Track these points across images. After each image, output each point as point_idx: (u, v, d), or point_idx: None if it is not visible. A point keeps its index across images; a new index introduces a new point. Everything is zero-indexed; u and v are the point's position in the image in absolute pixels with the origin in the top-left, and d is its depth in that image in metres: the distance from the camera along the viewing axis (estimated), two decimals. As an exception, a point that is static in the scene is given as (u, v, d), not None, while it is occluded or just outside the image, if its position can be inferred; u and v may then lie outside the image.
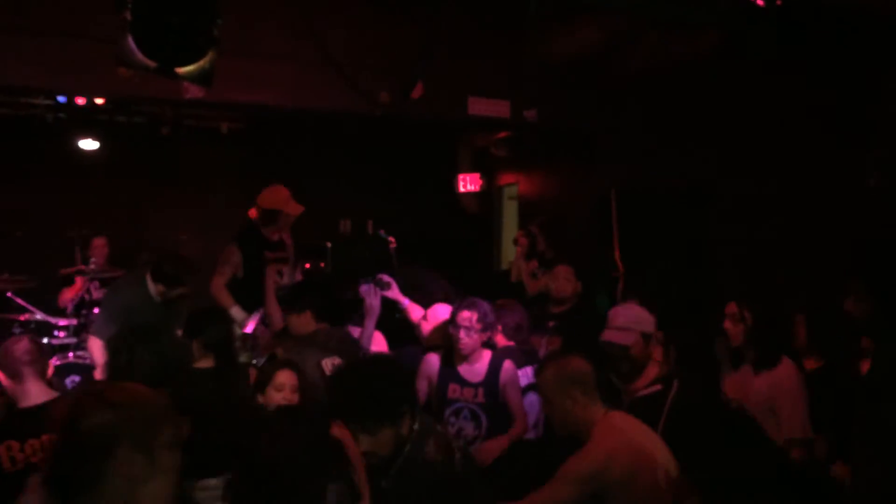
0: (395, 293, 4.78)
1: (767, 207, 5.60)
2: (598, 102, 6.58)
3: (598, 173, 6.98)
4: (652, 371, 3.33)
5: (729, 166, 5.82)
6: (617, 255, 6.30)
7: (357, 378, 2.75)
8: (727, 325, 3.98)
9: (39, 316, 6.76)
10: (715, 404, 3.61)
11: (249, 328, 4.99)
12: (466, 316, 4.05)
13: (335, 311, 4.50)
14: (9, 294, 6.76)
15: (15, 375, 3.18)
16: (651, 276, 5.88)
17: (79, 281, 6.91)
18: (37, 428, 3.01)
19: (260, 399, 3.44)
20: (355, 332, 4.58)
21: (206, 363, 3.67)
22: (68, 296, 6.95)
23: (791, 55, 5.26)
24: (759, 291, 4.68)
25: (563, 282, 5.27)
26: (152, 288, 4.67)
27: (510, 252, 8.60)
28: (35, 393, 3.17)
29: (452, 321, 4.11)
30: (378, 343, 4.81)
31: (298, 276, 6.01)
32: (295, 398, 3.42)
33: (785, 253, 5.39)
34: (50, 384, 3.36)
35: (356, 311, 5.08)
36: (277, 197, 5.39)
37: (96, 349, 4.60)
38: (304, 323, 4.30)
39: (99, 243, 7.19)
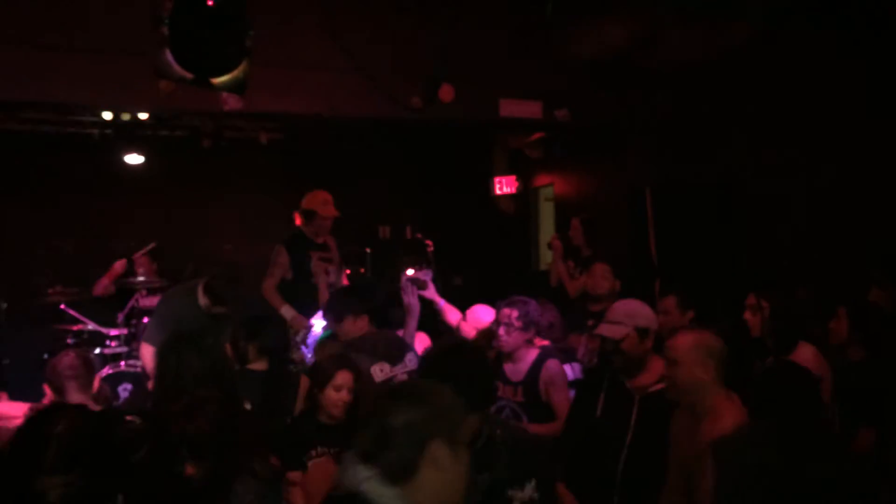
0: (431, 293, 4.85)
1: (804, 199, 5.55)
2: (630, 99, 6.58)
3: (632, 170, 6.97)
4: (658, 367, 3.27)
5: (763, 159, 5.79)
6: (653, 251, 6.30)
7: (459, 363, 2.65)
8: (746, 315, 3.98)
9: (91, 326, 6.98)
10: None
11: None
12: (506, 313, 4.10)
13: (382, 314, 4.56)
14: (62, 306, 7.01)
15: (59, 390, 3.31)
16: (687, 272, 5.87)
17: (116, 266, 7.04)
18: None
19: (318, 395, 3.46)
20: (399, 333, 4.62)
21: (259, 366, 3.83)
22: (104, 282, 7.10)
23: (826, 43, 5.23)
24: (796, 284, 4.64)
25: (599, 279, 5.28)
26: (202, 299, 4.79)
27: (547, 254, 8.62)
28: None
29: (495, 318, 4.19)
30: (422, 342, 4.89)
31: (343, 281, 6.13)
32: (350, 399, 3.44)
33: (823, 245, 5.34)
34: (98, 395, 3.45)
35: (393, 312, 5.20)
36: (314, 199, 5.65)
37: (147, 356, 4.74)
38: (359, 327, 4.26)
39: (143, 260, 7.38)
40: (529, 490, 2.46)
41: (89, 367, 3.40)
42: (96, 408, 3.29)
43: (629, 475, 3.28)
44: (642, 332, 3.39)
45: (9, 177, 7.98)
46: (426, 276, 4.92)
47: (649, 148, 6.81)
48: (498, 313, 4.16)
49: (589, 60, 6.12)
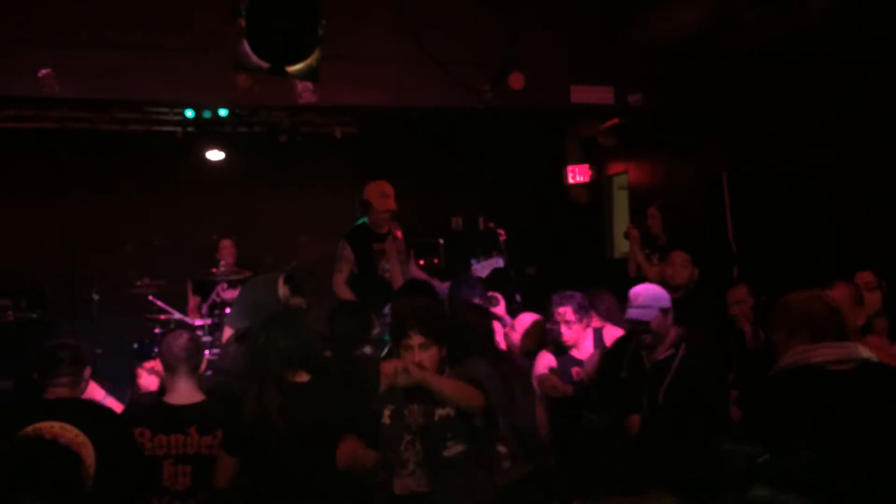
0: (501, 310, 4.98)
1: (884, 184, 5.33)
2: (705, 83, 6.44)
3: (707, 156, 6.81)
4: (672, 336, 3.86)
5: (842, 143, 5.59)
6: (731, 238, 6.14)
7: None
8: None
9: (177, 316, 7.27)
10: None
11: None
12: (562, 311, 4.43)
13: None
14: (150, 297, 7.32)
15: (170, 368, 3.38)
16: (766, 259, 5.72)
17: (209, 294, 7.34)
18: (171, 426, 3.25)
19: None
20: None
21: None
22: (192, 304, 7.44)
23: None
24: (877, 270, 4.49)
25: (678, 268, 5.25)
26: (282, 290, 4.92)
27: (622, 243, 8.51)
28: (182, 392, 3.36)
29: (551, 318, 4.49)
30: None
31: (416, 270, 6.13)
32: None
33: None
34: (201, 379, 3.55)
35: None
36: (373, 190, 5.54)
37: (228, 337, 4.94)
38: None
39: (226, 244, 7.62)
40: None
41: (200, 350, 3.45)
42: (200, 397, 3.39)
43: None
44: (665, 311, 3.86)
45: (99, 175, 8.38)
46: (497, 263, 4.99)
47: (726, 133, 6.65)
48: (554, 312, 4.46)
49: (662, 43, 6.02)
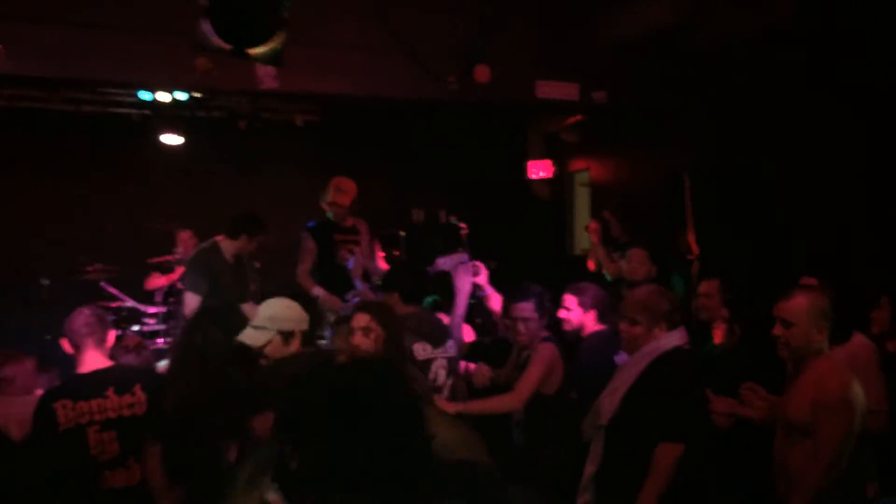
0: (483, 279, 4.85)
1: (843, 185, 5.42)
2: (669, 82, 6.48)
3: (670, 155, 6.85)
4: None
5: (803, 143, 5.66)
6: (691, 237, 6.20)
7: None
8: None
9: (130, 304, 7.10)
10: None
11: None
12: (522, 307, 4.09)
13: (420, 293, 4.51)
14: (101, 283, 7.14)
15: (76, 346, 3.44)
16: (726, 258, 5.77)
17: (178, 271, 7.16)
18: (89, 392, 3.28)
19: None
20: (444, 318, 4.59)
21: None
22: (159, 282, 7.25)
23: (868, 26, 5.08)
24: (835, 272, 4.55)
25: (636, 265, 5.25)
26: (226, 248, 5.23)
27: (583, 239, 8.54)
28: (91, 361, 3.41)
29: (507, 313, 4.20)
30: (466, 333, 4.87)
31: (380, 262, 6.17)
32: (368, 342, 3.35)
33: (863, 232, 5.21)
34: (140, 354, 3.67)
35: (437, 293, 5.20)
36: (331, 183, 5.71)
37: (193, 303, 5.00)
38: (391, 304, 4.25)
39: (185, 236, 7.46)
40: None
41: (104, 324, 3.50)
42: (109, 363, 3.44)
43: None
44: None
45: (51, 156, 8.12)
46: (479, 263, 4.90)
47: (688, 132, 6.70)
48: (512, 308, 4.14)
49: (628, 41, 6.03)
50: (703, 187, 6.28)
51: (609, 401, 3.38)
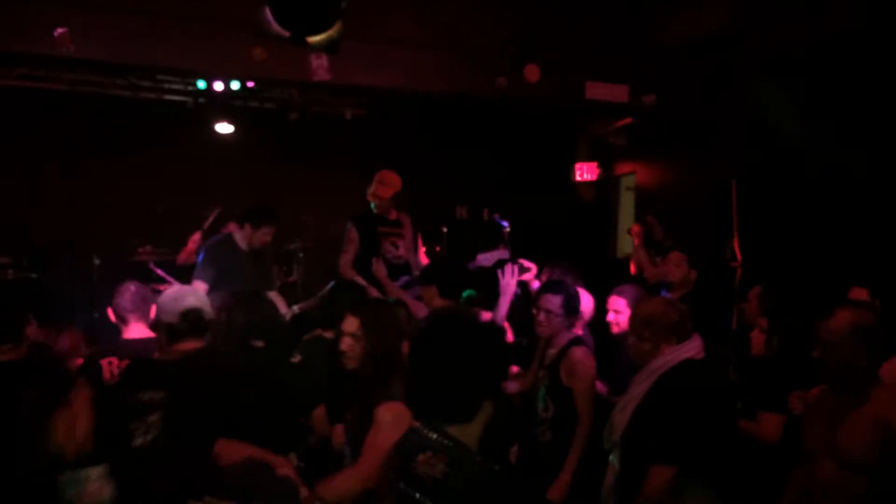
0: (531, 276, 4.86)
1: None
2: (720, 89, 6.41)
3: (718, 160, 6.80)
4: None
5: (855, 149, 5.55)
6: (736, 244, 6.14)
7: None
8: None
9: (176, 286, 7.25)
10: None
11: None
12: (549, 298, 4.02)
13: (457, 287, 4.54)
14: (151, 265, 7.32)
15: (121, 319, 3.74)
16: (772, 266, 5.71)
17: (190, 242, 7.28)
18: (133, 353, 3.49)
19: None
20: (486, 315, 4.58)
21: (328, 333, 4.06)
22: (182, 256, 7.39)
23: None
24: (888, 283, 4.46)
25: (672, 267, 5.22)
26: (240, 237, 5.38)
27: (626, 242, 8.50)
28: (136, 330, 3.71)
29: (535, 303, 4.13)
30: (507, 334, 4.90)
31: (422, 258, 6.22)
32: (359, 349, 3.16)
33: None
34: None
35: (475, 289, 5.24)
36: (375, 178, 5.74)
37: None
38: (429, 297, 4.40)
39: (232, 226, 7.58)
40: None
41: (147, 300, 3.75)
42: (152, 334, 3.65)
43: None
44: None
45: (107, 140, 8.34)
46: (502, 255, 4.91)
47: (737, 138, 6.63)
48: (541, 297, 4.07)
49: (680, 45, 6.00)
50: (751, 196, 6.22)
51: (620, 416, 3.35)
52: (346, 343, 3.15)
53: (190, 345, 3.18)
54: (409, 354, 2.16)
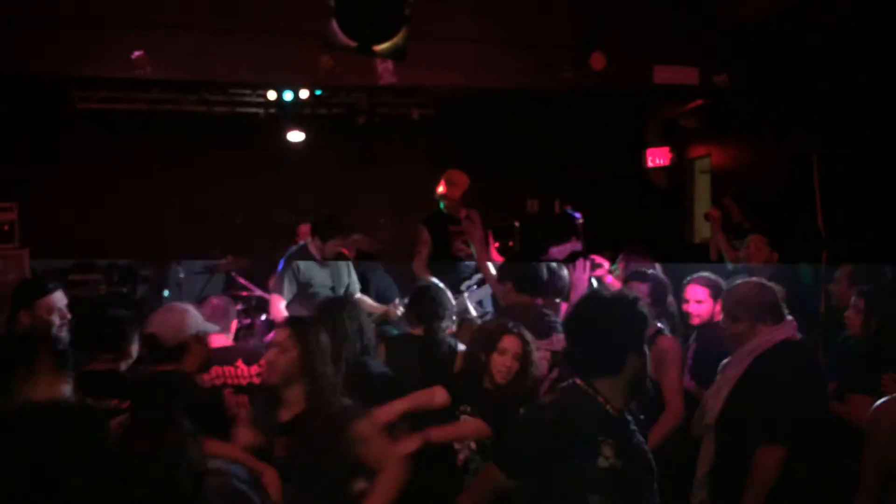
0: (603, 272, 4.83)
1: None
2: (794, 61, 6.19)
3: (796, 138, 6.57)
4: None
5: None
6: (820, 222, 5.94)
7: None
8: None
9: (258, 293, 7.45)
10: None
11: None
12: (636, 286, 4.05)
13: (533, 283, 4.52)
14: (232, 274, 7.53)
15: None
16: (860, 244, 5.50)
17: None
18: (220, 360, 3.66)
19: (483, 359, 3.49)
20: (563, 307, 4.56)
21: (418, 331, 4.16)
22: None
23: None
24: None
25: (753, 250, 5.11)
26: (313, 248, 5.54)
27: (703, 227, 8.31)
28: (216, 342, 3.77)
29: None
30: None
31: (493, 254, 6.20)
32: (516, 366, 3.42)
33: None
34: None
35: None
36: (444, 176, 5.84)
37: (276, 304, 5.46)
38: (505, 292, 4.40)
39: (304, 230, 7.74)
40: None
41: (228, 314, 4.06)
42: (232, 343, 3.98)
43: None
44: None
45: (186, 156, 8.62)
46: (575, 247, 4.87)
47: (815, 114, 6.39)
48: (628, 286, 4.12)
49: (749, 21, 5.83)
50: (833, 171, 6.01)
51: (714, 400, 3.29)
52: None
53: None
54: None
